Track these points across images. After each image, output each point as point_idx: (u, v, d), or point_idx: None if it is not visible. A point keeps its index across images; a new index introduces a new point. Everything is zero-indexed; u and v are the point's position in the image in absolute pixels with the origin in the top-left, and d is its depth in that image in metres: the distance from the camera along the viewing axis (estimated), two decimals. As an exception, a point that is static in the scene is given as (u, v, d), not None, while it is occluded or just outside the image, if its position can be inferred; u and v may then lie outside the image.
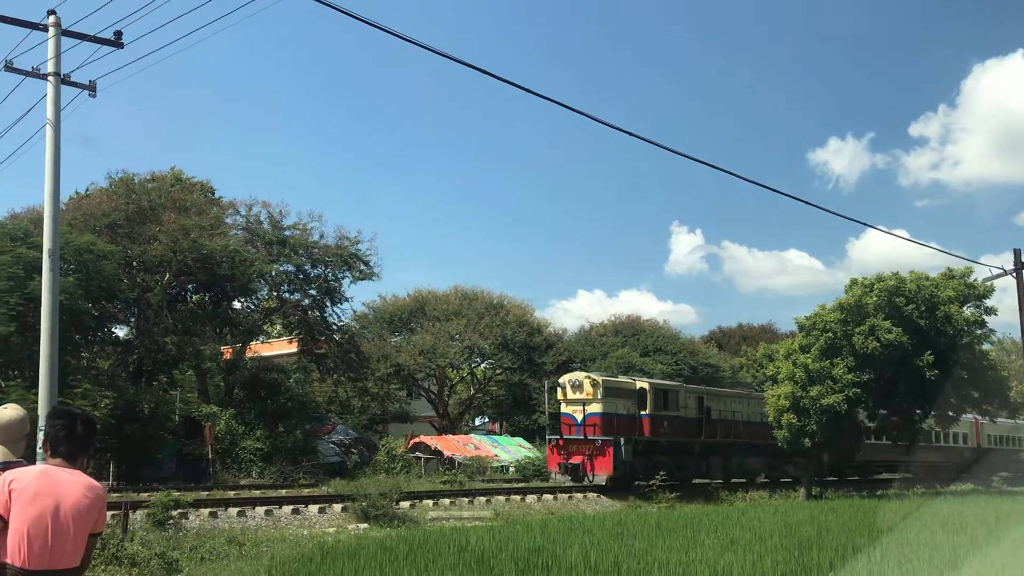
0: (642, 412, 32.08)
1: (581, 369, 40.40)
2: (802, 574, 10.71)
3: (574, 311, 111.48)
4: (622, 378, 34.09)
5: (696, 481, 33.99)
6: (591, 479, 30.29)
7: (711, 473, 34.95)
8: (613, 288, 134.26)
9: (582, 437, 30.81)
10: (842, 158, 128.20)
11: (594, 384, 31.27)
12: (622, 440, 30.41)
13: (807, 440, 31.43)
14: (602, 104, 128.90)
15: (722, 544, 14.36)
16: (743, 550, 13.48)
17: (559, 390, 32.72)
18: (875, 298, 30.92)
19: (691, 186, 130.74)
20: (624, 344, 57.76)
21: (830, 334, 31.12)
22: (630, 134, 13.61)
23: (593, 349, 57.41)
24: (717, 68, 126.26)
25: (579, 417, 31.01)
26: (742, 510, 24.47)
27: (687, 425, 33.81)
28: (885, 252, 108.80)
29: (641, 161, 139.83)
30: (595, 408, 30.81)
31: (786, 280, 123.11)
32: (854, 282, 32.43)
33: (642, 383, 33.21)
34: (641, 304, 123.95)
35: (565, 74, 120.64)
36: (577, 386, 31.57)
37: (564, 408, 32.06)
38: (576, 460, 30.72)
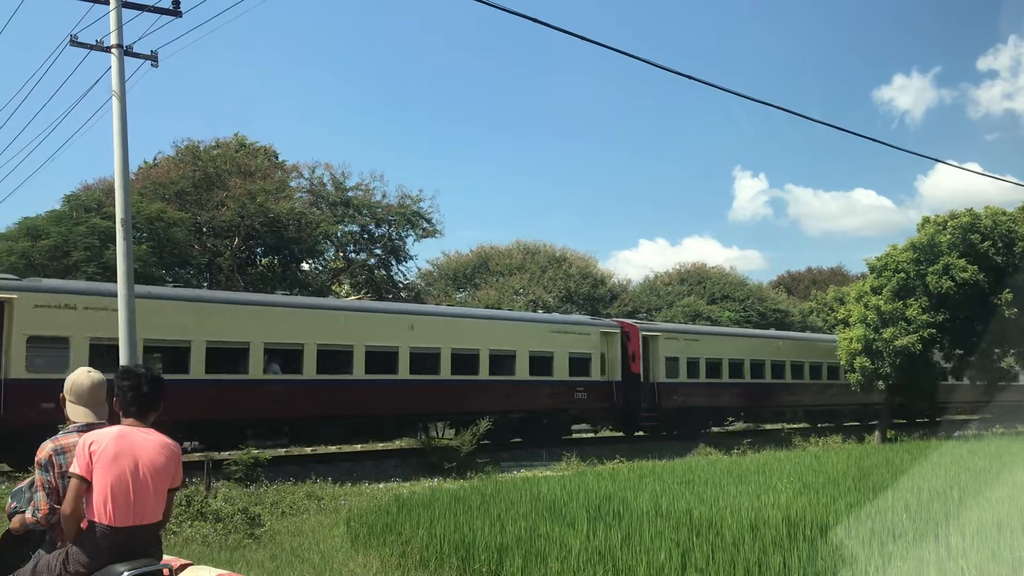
0: None
1: (647, 319, 39.20)
2: (876, 516, 10.59)
3: (637, 261, 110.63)
4: None
5: None
6: None
7: None
8: (676, 236, 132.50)
9: None
10: (907, 94, 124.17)
11: None
12: None
13: (881, 383, 30.95)
14: (657, 47, 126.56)
15: (795, 488, 14.27)
16: (816, 494, 13.40)
17: None
18: (949, 236, 30.06)
19: (753, 130, 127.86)
20: (690, 292, 57.29)
21: (902, 274, 30.41)
22: (689, 77, 13.31)
23: (658, 298, 57.05)
24: (777, 4, 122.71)
25: None
26: (815, 455, 24.24)
27: None
28: (957, 189, 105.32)
29: (699, 106, 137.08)
30: None
31: (854, 221, 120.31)
32: (926, 220, 31.55)
33: None
34: (706, 251, 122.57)
35: (616, 16, 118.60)
36: None
37: None
38: None
